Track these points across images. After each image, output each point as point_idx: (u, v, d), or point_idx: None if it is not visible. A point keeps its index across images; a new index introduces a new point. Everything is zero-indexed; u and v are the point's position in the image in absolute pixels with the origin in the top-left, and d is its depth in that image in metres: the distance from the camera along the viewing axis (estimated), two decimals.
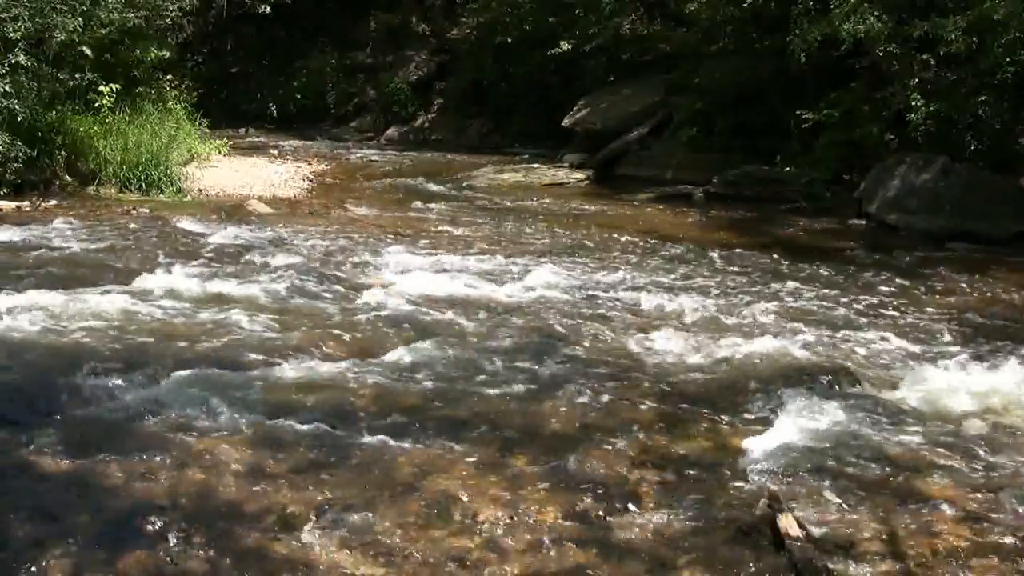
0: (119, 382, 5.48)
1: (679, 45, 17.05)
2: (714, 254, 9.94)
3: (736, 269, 9.29)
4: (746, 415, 5.38)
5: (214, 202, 12.37)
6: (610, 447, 4.87)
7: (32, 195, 11.31)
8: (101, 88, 12.75)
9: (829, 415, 5.33)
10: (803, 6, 13.53)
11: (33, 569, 3.66)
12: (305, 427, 4.97)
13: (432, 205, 12.86)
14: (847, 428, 5.19)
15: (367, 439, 4.85)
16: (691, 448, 4.93)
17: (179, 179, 12.71)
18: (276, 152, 18.30)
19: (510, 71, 21.20)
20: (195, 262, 8.51)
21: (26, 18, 11.08)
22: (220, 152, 15.14)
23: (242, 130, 21.31)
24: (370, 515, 4.10)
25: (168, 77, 16.31)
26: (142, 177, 12.29)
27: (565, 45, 19.16)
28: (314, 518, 4.06)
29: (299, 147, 19.59)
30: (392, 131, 22.97)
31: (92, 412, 5.12)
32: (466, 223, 11.45)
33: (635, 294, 8.05)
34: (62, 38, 11.56)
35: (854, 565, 3.85)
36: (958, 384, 5.85)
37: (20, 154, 10.90)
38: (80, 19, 11.85)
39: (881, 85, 12.87)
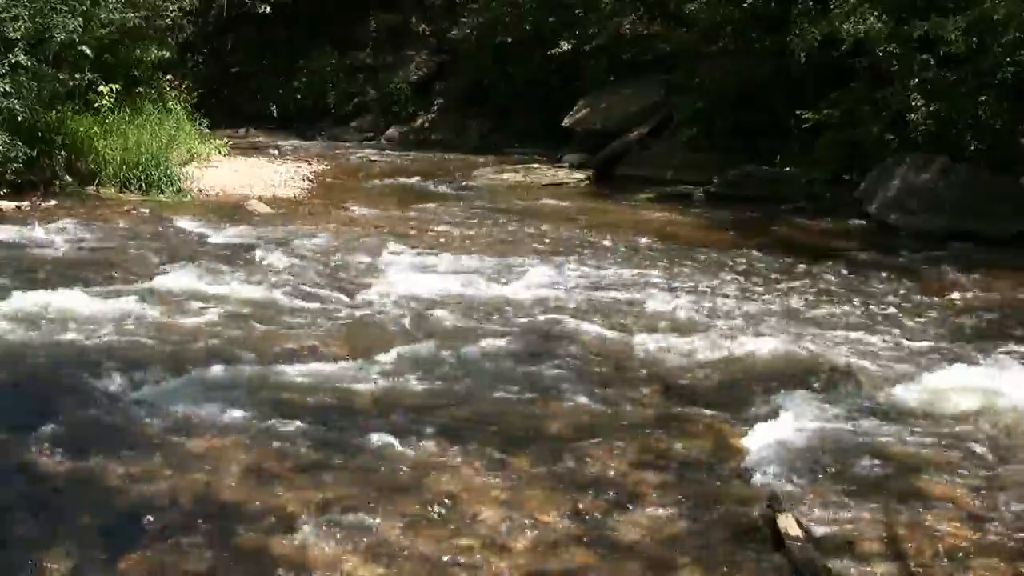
0: (119, 382, 5.49)
1: (679, 45, 17.03)
2: (714, 254, 9.93)
3: (736, 269, 9.28)
4: (746, 415, 5.38)
5: (214, 202, 12.38)
6: (610, 447, 4.87)
7: (32, 195, 11.31)
8: (101, 88, 12.76)
9: (829, 415, 5.33)
10: (803, 6, 13.51)
11: (33, 569, 3.65)
12: (305, 427, 4.97)
13: (432, 205, 12.86)
14: (847, 428, 5.19)
15: (367, 439, 4.85)
16: (691, 448, 4.93)
17: (179, 179, 12.70)
18: (276, 152, 18.30)
19: (510, 71, 21.17)
20: (195, 262, 8.51)
21: (26, 18, 11.08)
22: (220, 152, 15.13)
23: (242, 130, 21.29)
24: (370, 515, 4.10)
25: (168, 77, 16.31)
26: (142, 177, 12.29)
27: (565, 45, 19.16)
28: (314, 518, 4.06)
29: (299, 147, 19.59)
30: (392, 131, 22.96)
31: (92, 412, 5.12)
32: (466, 223, 11.45)
33: (635, 294, 8.05)
34: (62, 38, 11.55)
35: (854, 565, 3.85)
36: (958, 384, 5.84)
37: (20, 154, 10.90)
38: (80, 19, 11.85)
39: (881, 85, 12.85)
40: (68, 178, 11.98)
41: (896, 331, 7.14)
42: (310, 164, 16.73)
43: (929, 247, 10.57)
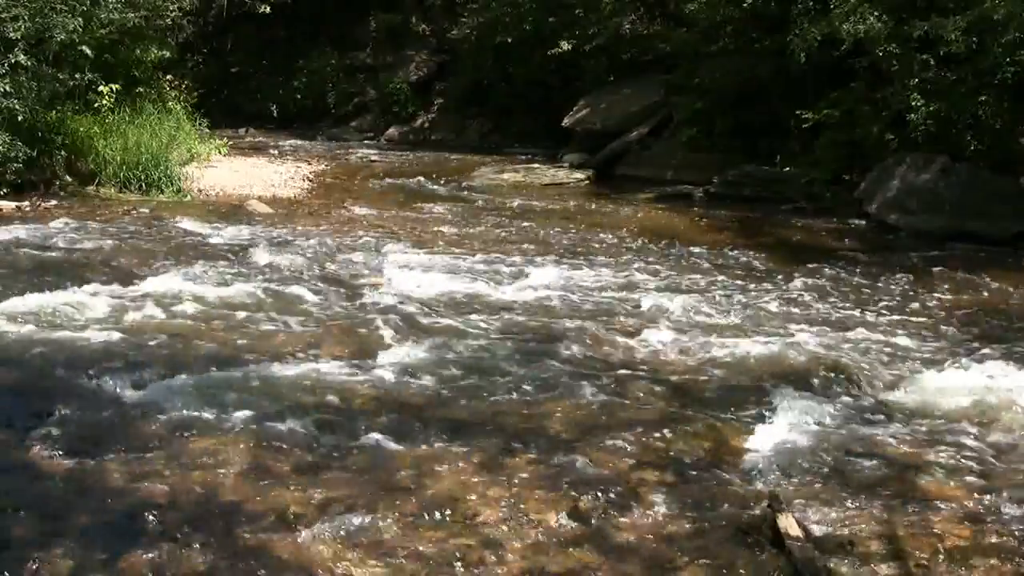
0: (119, 382, 5.48)
1: (679, 45, 17.05)
2: (714, 254, 9.94)
3: (736, 269, 9.29)
4: (746, 415, 5.38)
5: (214, 202, 12.38)
6: (610, 447, 4.87)
7: (32, 195, 11.31)
8: (101, 88, 12.76)
9: (829, 415, 5.33)
10: (803, 6, 13.52)
11: (33, 569, 3.65)
12: (305, 427, 4.97)
13: (432, 205, 12.86)
14: (847, 428, 5.19)
15: (367, 439, 4.85)
16: (691, 448, 4.93)
17: (179, 179, 12.70)
18: (276, 152, 18.30)
19: (510, 71, 21.20)
20: (195, 262, 8.51)
21: (26, 18, 11.08)
22: (220, 152, 15.13)
23: (242, 130, 21.30)
24: (370, 515, 4.09)
25: (168, 77, 16.31)
26: (142, 177, 12.29)
27: (565, 45, 19.18)
28: (314, 518, 4.06)
29: (299, 147, 19.59)
30: (392, 131, 22.97)
31: (92, 412, 5.12)
32: (466, 223, 11.45)
33: (635, 294, 8.05)
34: (62, 38, 11.55)
35: (854, 565, 3.85)
36: (958, 384, 5.85)
37: (20, 154, 10.90)
38: (80, 19, 11.85)
39: (881, 85, 12.86)
40: (68, 178, 11.99)
41: (896, 331, 7.14)
42: (310, 164, 16.73)
43: (929, 247, 10.58)
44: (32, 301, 6.89)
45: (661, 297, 7.90)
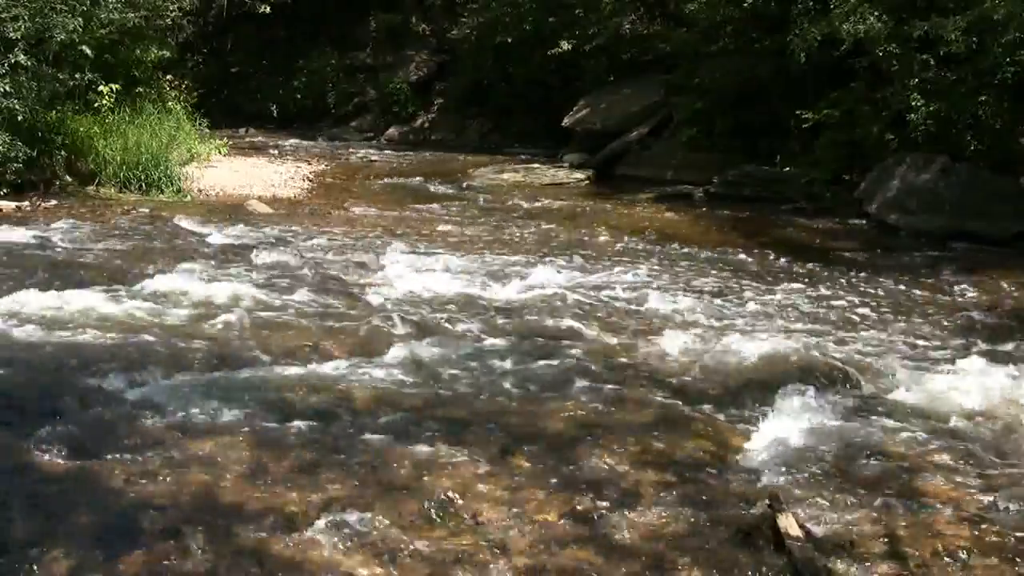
0: (119, 382, 5.48)
1: (679, 45, 17.06)
2: (714, 254, 9.94)
3: (736, 269, 9.29)
4: (746, 415, 5.37)
5: (214, 202, 12.38)
6: (610, 447, 4.86)
7: (32, 195, 11.31)
8: (101, 88, 12.77)
9: (829, 415, 5.33)
10: (803, 6, 13.53)
11: (33, 569, 3.65)
12: (305, 427, 4.97)
13: (432, 205, 12.87)
14: (847, 428, 5.19)
15: (367, 439, 4.85)
16: (691, 448, 4.93)
17: (179, 179, 12.72)
18: (276, 152, 18.31)
19: (510, 71, 21.22)
20: (195, 262, 8.51)
21: (26, 18, 11.09)
22: (220, 152, 15.15)
23: (242, 130, 21.32)
24: (370, 515, 4.09)
25: (168, 77, 16.33)
26: (142, 177, 12.30)
27: (565, 45, 19.20)
28: (314, 518, 4.05)
29: (299, 147, 19.60)
30: (392, 131, 22.99)
31: (92, 412, 5.12)
32: (466, 223, 11.46)
33: (635, 294, 8.05)
34: (62, 38, 11.56)
35: (854, 565, 3.85)
36: (958, 384, 5.85)
37: (20, 154, 10.90)
38: (80, 19, 11.86)
39: (881, 85, 12.87)
40: (68, 178, 11.99)
41: (896, 331, 7.15)
42: (310, 164, 16.74)
43: (929, 247, 10.59)
44: (32, 301, 6.89)
45: (661, 297, 7.90)
